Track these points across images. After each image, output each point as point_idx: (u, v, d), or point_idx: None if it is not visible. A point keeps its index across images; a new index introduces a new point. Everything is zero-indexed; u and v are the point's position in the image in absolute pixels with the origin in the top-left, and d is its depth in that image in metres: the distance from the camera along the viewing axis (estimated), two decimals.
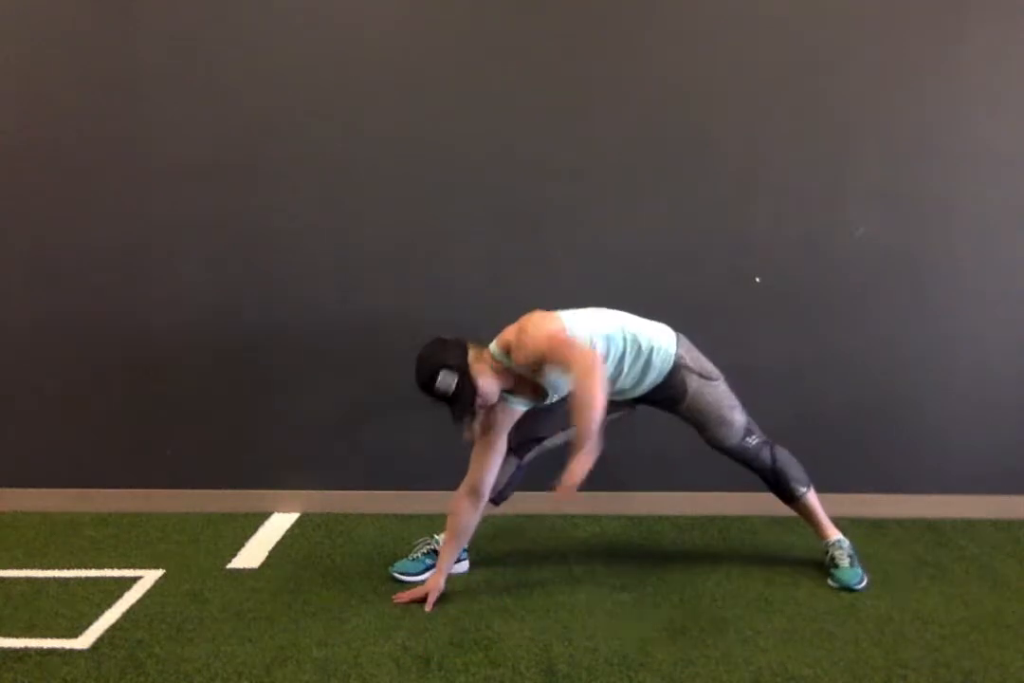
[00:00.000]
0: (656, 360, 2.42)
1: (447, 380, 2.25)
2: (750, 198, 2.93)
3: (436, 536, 2.65)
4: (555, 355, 2.23)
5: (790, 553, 2.76)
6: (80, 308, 3.08)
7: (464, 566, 2.62)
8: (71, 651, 2.19)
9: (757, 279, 2.96)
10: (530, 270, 2.99)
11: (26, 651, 2.19)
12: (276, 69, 2.93)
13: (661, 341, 2.44)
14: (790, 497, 2.57)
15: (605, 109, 2.91)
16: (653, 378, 2.45)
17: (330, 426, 3.11)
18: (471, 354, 2.32)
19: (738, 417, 2.50)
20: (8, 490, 3.21)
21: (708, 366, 2.50)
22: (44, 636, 2.27)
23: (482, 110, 2.94)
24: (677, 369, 2.44)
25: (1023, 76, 2.84)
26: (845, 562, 2.53)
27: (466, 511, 2.45)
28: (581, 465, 2.16)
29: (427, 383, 2.27)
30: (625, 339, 2.39)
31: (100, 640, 2.24)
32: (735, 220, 2.94)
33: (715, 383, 2.48)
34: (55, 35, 2.94)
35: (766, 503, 3.04)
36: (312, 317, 3.05)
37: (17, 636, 2.27)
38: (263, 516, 3.13)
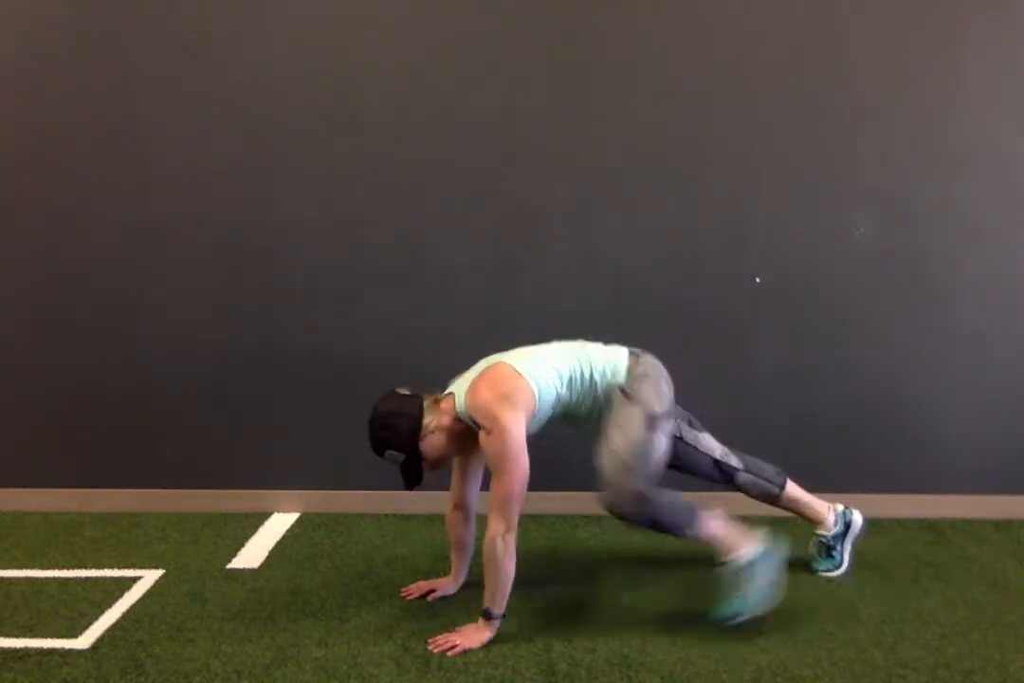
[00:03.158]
0: (601, 391, 2.31)
1: (394, 456, 2.23)
2: (750, 198, 2.93)
3: (818, 530, 2.60)
4: (492, 446, 2.13)
5: (790, 553, 2.75)
6: (79, 308, 3.08)
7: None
8: (71, 651, 2.19)
9: (757, 279, 2.96)
10: (531, 270, 2.99)
11: (26, 651, 2.19)
12: (277, 68, 2.93)
13: (612, 371, 2.31)
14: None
15: (606, 109, 2.91)
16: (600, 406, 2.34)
17: (330, 426, 3.11)
18: (427, 412, 2.23)
19: (631, 483, 2.19)
20: (8, 490, 3.21)
21: (653, 398, 2.27)
22: (44, 636, 2.27)
23: (483, 111, 2.94)
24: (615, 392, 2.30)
25: (1023, 76, 2.85)
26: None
27: (456, 525, 2.45)
28: (468, 640, 2.17)
29: (377, 453, 2.25)
30: (583, 373, 2.30)
31: (100, 640, 2.25)
32: (735, 220, 2.94)
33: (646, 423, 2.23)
34: (55, 35, 2.94)
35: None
36: (312, 317, 3.05)
37: (17, 636, 2.27)
38: (263, 516, 3.14)
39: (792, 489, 2.57)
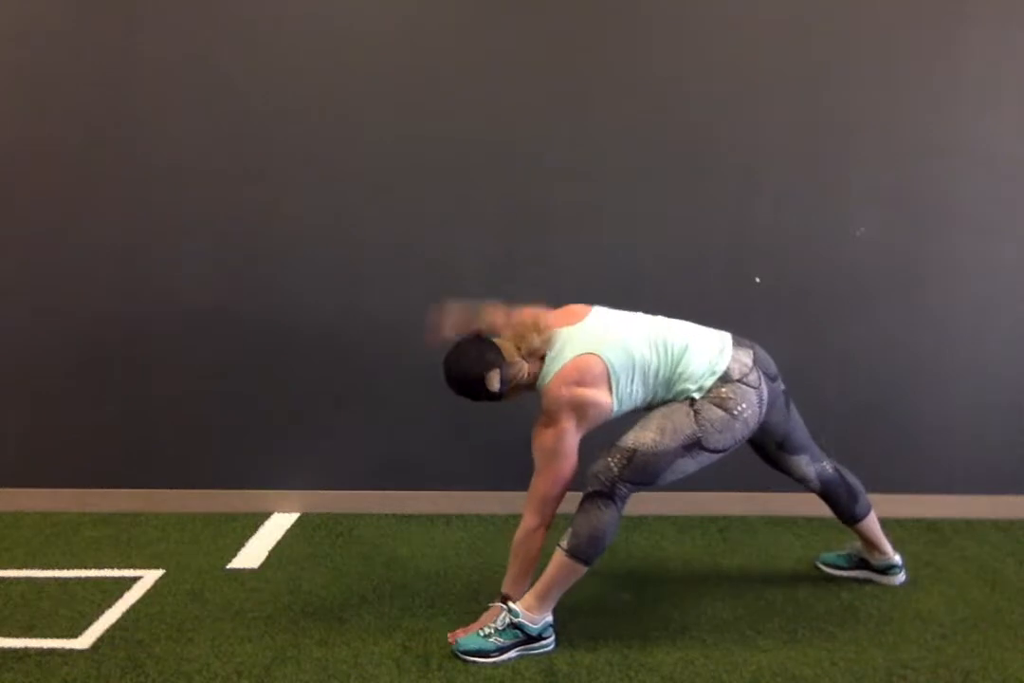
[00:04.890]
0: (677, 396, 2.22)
1: (493, 381, 2.13)
2: (750, 198, 2.93)
3: (866, 549, 2.54)
4: (542, 439, 2.14)
5: (790, 553, 2.76)
6: (80, 308, 3.08)
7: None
8: (71, 651, 2.19)
9: (757, 279, 2.96)
10: (531, 271, 2.99)
11: (26, 651, 2.19)
12: (277, 69, 2.93)
13: (697, 386, 2.18)
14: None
15: (606, 110, 2.90)
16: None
17: (330, 426, 3.11)
18: (509, 367, 2.15)
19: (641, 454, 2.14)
20: (8, 490, 3.21)
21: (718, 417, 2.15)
22: (44, 636, 2.27)
23: (484, 112, 2.94)
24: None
25: (1023, 76, 2.85)
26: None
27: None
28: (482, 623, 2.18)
29: (453, 391, 2.20)
30: (668, 390, 2.20)
31: (100, 640, 2.25)
32: (735, 220, 2.94)
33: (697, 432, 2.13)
34: (56, 34, 2.94)
35: (766, 503, 3.06)
36: (313, 317, 3.05)
37: (17, 636, 2.27)
38: (263, 516, 3.13)
39: (870, 523, 2.51)
